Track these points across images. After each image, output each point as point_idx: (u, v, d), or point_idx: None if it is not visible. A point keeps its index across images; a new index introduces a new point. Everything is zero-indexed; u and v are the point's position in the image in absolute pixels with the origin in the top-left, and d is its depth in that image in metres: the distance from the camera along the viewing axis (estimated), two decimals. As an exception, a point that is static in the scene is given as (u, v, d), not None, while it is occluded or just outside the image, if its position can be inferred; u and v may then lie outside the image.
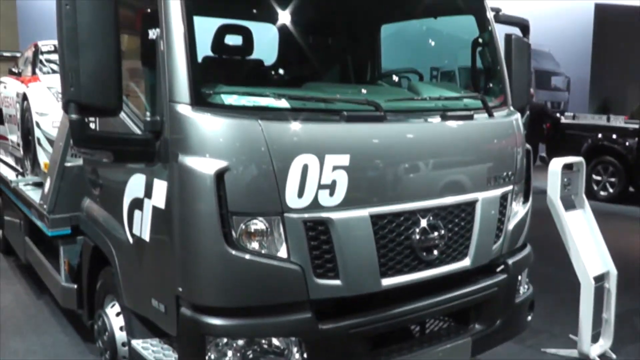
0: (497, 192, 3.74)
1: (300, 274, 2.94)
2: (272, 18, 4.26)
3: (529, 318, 4.23)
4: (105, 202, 3.85)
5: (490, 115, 3.86)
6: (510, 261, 3.92)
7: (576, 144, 11.56)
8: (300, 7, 3.70)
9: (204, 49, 3.64)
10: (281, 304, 2.96)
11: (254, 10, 4.44)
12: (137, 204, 3.30)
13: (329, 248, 3.00)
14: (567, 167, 4.95)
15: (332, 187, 2.98)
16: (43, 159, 5.71)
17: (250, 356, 2.94)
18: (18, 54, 9.47)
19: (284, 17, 3.90)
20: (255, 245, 2.88)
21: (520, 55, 4.34)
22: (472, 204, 3.59)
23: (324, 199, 2.96)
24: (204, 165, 2.79)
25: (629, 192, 11.76)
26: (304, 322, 2.96)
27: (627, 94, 18.16)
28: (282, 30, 4.38)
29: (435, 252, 3.40)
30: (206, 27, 3.69)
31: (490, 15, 4.18)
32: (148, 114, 3.06)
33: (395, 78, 4.83)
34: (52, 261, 5.14)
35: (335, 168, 2.98)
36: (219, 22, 4.10)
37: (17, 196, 5.86)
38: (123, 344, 3.80)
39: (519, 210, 4.03)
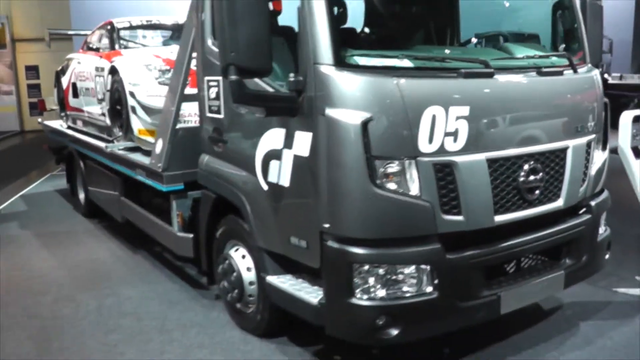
0: (584, 140, 4.14)
1: (431, 210, 3.38)
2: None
3: (607, 256, 4.63)
4: (231, 156, 4.30)
5: (575, 71, 4.24)
6: (593, 203, 4.34)
7: (622, 104, 11.81)
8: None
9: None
10: (414, 236, 3.41)
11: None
12: (273, 154, 3.75)
13: (453, 187, 3.44)
14: (635, 120, 5.32)
15: (455, 134, 3.41)
16: (137, 125, 6.13)
17: (389, 282, 3.40)
18: (83, 32, 9.88)
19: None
20: (392, 185, 3.33)
21: (594, 17, 4.69)
22: (564, 150, 3.99)
23: (449, 144, 3.40)
24: (350, 117, 3.23)
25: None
26: (435, 252, 3.42)
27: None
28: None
29: (537, 192, 3.81)
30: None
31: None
32: (291, 74, 3.48)
33: (474, 40, 5.18)
34: (155, 215, 5.66)
35: (457, 118, 3.40)
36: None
37: (114, 160, 6.33)
38: (250, 283, 4.30)
39: (598, 157, 4.43)
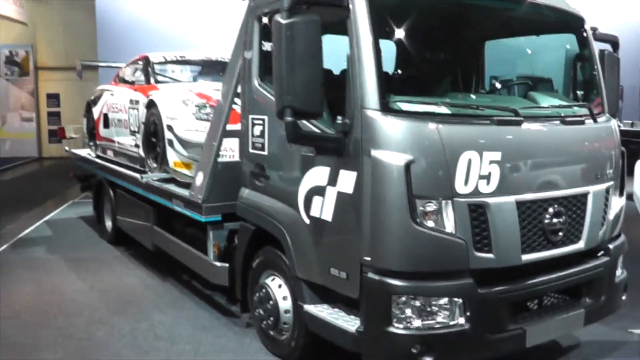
0: (603, 186, 4.42)
1: (464, 247, 3.65)
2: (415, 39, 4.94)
3: (624, 297, 4.87)
4: (273, 191, 4.58)
5: (595, 120, 4.54)
6: (611, 246, 4.60)
7: (632, 151, 12.10)
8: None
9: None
10: (449, 271, 3.68)
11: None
12: (317, 191, 4.04)
13: (485, 227, 3.72)
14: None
15: (488, 178, 3.70)
16: (173, 158, 6.41)
17: (424, 313, 3.65)
18: (114, 64, 10.26)
19: (420, 37, 4.63)
20: (430, 223, 3.61)
21: (611, 68, 5.01)
22: (585, 195, 4.27)
23: (483, 187, 3.69)
24: (394, 159, 3.53)
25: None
26: (468, 286, 3.68)
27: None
28: (422, 49, 5.14)
29: (560, 234, 4.08)
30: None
31: (590, 33, 4.84)
32: (339, 117, 3.79)
33: (498, 86, 5.49)
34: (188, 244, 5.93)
35: (490, 162, 3.70)
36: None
37: (149, 190, 6.61)
38: (285, 311, 4.54)
39: (616, 202, 4.69)
